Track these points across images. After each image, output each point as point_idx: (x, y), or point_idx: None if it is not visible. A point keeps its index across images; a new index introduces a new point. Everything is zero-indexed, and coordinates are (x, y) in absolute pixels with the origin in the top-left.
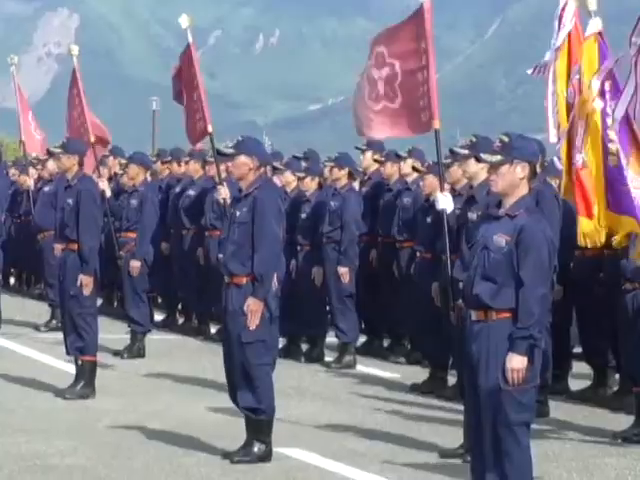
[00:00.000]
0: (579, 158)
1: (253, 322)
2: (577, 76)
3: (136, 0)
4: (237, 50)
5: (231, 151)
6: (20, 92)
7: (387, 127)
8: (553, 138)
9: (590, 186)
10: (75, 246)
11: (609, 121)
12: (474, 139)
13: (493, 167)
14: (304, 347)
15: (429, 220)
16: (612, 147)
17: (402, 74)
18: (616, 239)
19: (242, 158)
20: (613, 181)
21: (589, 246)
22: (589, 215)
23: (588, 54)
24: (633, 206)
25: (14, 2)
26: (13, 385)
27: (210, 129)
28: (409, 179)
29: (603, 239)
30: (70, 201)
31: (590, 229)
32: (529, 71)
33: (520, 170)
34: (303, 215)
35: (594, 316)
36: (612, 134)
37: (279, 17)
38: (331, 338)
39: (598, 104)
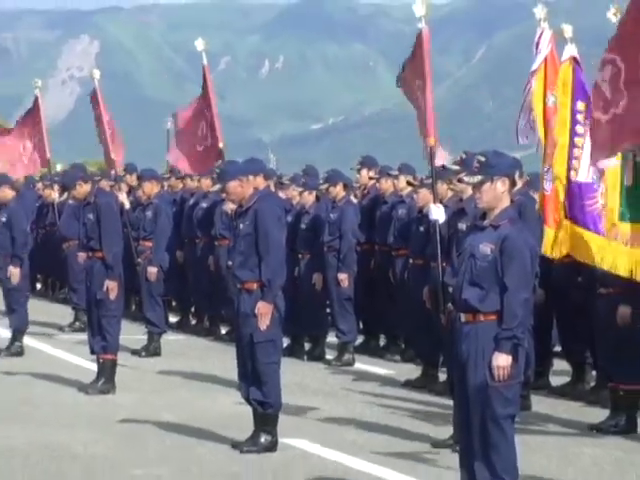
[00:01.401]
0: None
1: (264, 323)
2: (552, 99)
3: (150, 27)
4: (245, 74)
5: (218, 186)
6: (37, 112)
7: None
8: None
9: (555, 198)
10: (100, 254)
11: (577, 140)
12: (464, 156)
13: (476, 186)
14: (307, 346)
15: (422, 230)
16: (575, 163)
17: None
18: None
19: (231, 184)
20: (572, 195)
21: (554, 256)
22: (555, 224)
23: (563, 77)
24: (595, 221)
25: (40, 30)
26: (40, 381)
27: (221, 145)
28: (403, 193)
29: (564, 250)
30: (91, 216)
31: (556, 239)
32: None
33: (500, 185)
34: (303, 226)
35: (572, 318)
36: (577, 151)
37: (283, 44)
38: (331, 338)
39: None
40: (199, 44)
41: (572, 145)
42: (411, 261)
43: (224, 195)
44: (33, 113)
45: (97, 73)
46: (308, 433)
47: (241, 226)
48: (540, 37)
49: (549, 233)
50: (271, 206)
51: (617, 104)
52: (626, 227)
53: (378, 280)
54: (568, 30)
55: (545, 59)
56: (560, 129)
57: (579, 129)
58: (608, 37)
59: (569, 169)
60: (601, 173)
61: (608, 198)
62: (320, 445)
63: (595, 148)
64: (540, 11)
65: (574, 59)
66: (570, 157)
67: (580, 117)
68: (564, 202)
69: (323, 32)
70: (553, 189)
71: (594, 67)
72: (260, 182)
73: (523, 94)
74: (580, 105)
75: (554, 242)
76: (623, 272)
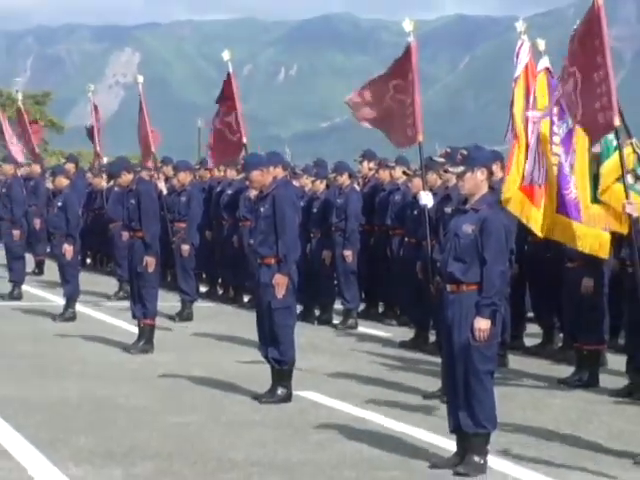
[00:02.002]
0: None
1: (280, 292)
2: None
3: (185, 41)
4: (264, 80)
5: (242, 175)
6: (96, 113)
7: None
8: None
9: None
10: (140, 234)
11: (555, 139)
12: (449, 150)
13: (459, 176)
14: (316, 312)
15: (415, 213)
16: (554, 159)
17: (395, 98)
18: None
19: (254, 173)
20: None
21: (544, 236)
22: (537, 205)
23: (540, 86)
24: (569, 207)
25: (90, 43)
26: (89, 342)
27: (245, 140)
28: (399, 181)
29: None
30: (133, 201)
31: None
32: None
33: (480, 174)
34: (314, 210)
35: (543, 288)
36: (556, 149)
37: (297, 54)
38: (338, 305)
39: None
40: (226, 55)
41: (552, 143)
42: (406, 240)
43: (247, 183)
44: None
45: (140, 78)
46: (318, 386)
47: (261, 209)
48: (520, 48)
49: (536, 214)
50: (287, 192)
51: (576, 114)
52: (595, 209)
53: (377, 256)
54: (541, 44)
55: (526, 67)
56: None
57: (555, 129)
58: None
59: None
60: (572, 167)
61: (579, 188)
62: (328, 396)
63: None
64: (521, 25)
65: (547, 70)
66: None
67: (555, 119)
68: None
69: (331, 44)
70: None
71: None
72: (279, 172)
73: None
74: (555, 109)
75: (543, 223)
76: (590, 250)
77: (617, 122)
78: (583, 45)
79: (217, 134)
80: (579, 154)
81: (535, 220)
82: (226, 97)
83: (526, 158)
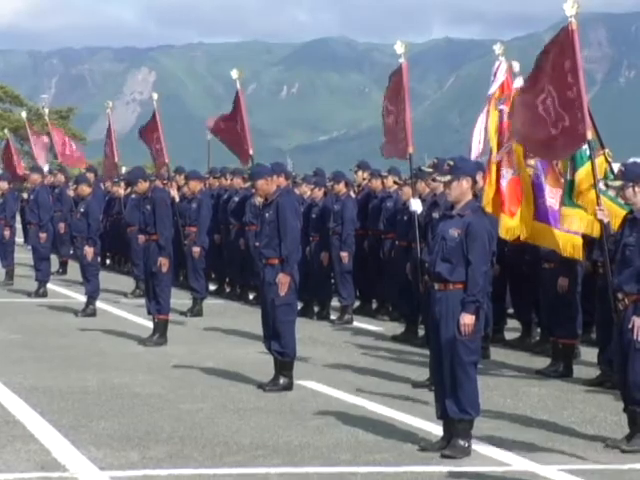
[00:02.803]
0: (507, 172)
1: (283, 290)
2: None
3: (196, 61)
4: (268, 97)
5: (248, 183)
6: (111, 128)
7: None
8: (472, 155)
9: (511, 192)
10: (155, 237)
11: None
12: (436, 161)
13: (446, 184)
14: (315, 309)
15: (405, 218)
16: (529, 170)
17: (392, 115)
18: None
19: (260, 182)
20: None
21: (509, 239)
22: (510, 214)
23: (514, 103)
24: (547, 215)
25: (109, 63)
26: (108, 336)
27: (251, 152)
28: (391, 189)
29: (522, 235)
30: (148, 207)
31: (511, 225)
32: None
33: (465, 183)
34: (314, 215)
35: (522, 286)
36: (531, 161)
37: (298, 74)
38: (335, 302)
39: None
40: (234, 73)
41: (525, 156)
42: (397, 243)
43: (254, 190)
44: (109, 129)
45: (155, 95)
46: (317, 376)
47: (266, 215)
48: (498, 68)
49: (505, 220)
50: (290, 200)
51: (561, 122)
52: (569, 211)
53: (371, 257)
54: (516, 66)
55: (502, 85)
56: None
57: None
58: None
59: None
60: (545, 177)
61: (555, 194)
62: (326, 385)
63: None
64: (499, 48)
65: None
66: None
67: None
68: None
69: (329, 64)
70: (510, 183)
71: None
72: (282, 181)
73: (482, 115)
74: None
75: (508, 227)
76: (567, 254)
77: (589, 135)
78: (554, 65)
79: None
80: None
81: (502, 225)
82: (231, 116)
83: (499, 170)
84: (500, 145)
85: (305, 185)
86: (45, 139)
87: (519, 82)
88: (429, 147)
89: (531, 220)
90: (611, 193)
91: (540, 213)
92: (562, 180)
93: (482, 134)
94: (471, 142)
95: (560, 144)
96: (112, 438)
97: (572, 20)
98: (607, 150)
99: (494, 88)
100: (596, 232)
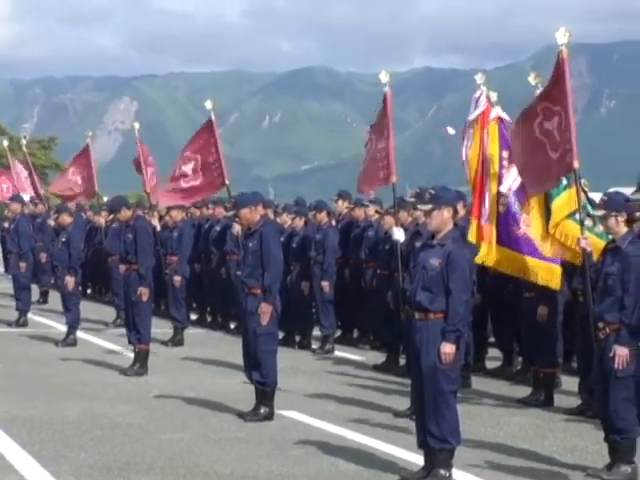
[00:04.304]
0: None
1: (265, 320)
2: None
3: (177, 90)
4: (250, 126)
5: (230, 212)
6: (91, 157)
7: (364, 184)
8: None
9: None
10: (136, 266)
11: (504, 180)
12: (419, 190)
13: (427, 213)
14: (297, 338)
15: (387, 247)
16: (503, 200)
17: (373, 143)
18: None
19: (243, 211)
20: (502, 223)
21: (487, 265)
22: (488, 242)
23: (492, 133)
24: (519, 243)
25: (91, 92)
26: (89, 365)
27: (227, 182)
28: (372, 219)
29: (488, 262)
30: (130, 235)
31: (483, 252)
32: (450, 131)
33: (446, 212)
34: (294, 245)
35: (503, 315)
36: (504, 189)
37: (279, 103)
38: (316, 332)
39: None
40: (208, 104)
41: (500, 184)
42: (378, 272)
43: (237, 219)
44: (81, 156)
45: (137, 125)
46: (298, 406)
47: (250, 244)
48: (479, 97)
49: (484, 247)
50: (273, 230)
51: (564, 145)
52: (552, 240)
53: (352, 287)
54: (493, 95)
55: (482, 114)
56: (492, 175)
57: (504, 172)
58: (529, 97)
59: (498, 205)
60: (523, 205)
61: (533, 223)
62: (307, 415)
63: (543, 181)
64: (480, 78)
65: (499, 118)
66: (499, 196)
67: (505, 162)
68: (496, 231)
69: (310, 94)
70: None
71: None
72: (260, 210)
73: (462, 140)
74: (505, 153)
75: (487, 254)
76: (542, 281)
77: (576, 165)
78: (550, 93)
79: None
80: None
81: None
82: (200, 142)
83: (481, 198)
84: (479, 172)
85: (286, 214)
86: (25, 169)
87: (497, 111)
88: (410, 176)
89: (496, 246)
90: (588, 223)
91: (512, 241)
92: (534, 210)
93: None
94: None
95: (554, 172)
96: (92, 469)
97: (563, 49)
98: (583, 180)
99: (476, 114)
100: (578, 259)
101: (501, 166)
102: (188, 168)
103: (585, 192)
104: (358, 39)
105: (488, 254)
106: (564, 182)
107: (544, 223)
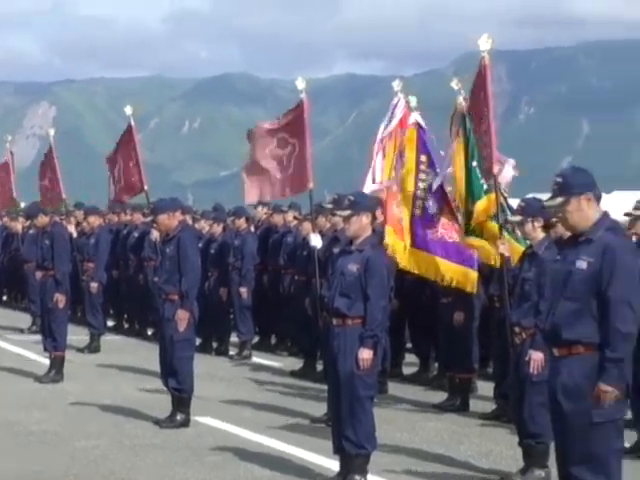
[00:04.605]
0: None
1: (182, 326)
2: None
3: (97, 95)
4: (170, 131)
5: (150, 217)
6: (11, 163)
7: (277, 191)
8: (367, 190)
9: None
10: (52, 272)
11: (420, 184)
12: (336, 196)
13: (345, 219)
14: (214, 344)
15: (305, 254)
16: (420, 203)
17: (293, 151)
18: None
19: (161, 217)
20: (418, 225)
21: (406, 267)
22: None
23: (410, 137)
24: (436, 246)
25: (10, 96)
26: (4, 373)
27: (146, 187)
28: (291, 225)
29: (401, 263)
30: (47, 241)
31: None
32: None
33: (364, 218)
34: (212, 251)
35: (420, 321)
36: (421, 193)
37: (199, 109)
38: (234, 338)
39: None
40: (128, 109)
41: (416, 188)
42: (296, 278)
43: (155, 225)
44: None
45: (52, 131)
46: (214, 412)
47: (167, 250)
48: (397, 104)
49: (399, 248)
50: (190, 235)
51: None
52: (472, 241)
53: (270, 292)
54: (413, 100)
55: (400, 121)
56: (407, 177)
57: (422, 176)
58: (450, 103)
59: (414, 207)
60: (439, 210)
61: (451, 227)
62: (223, 421)
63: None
64: (397, 84)
65: (417, 123)
66: (415, 198)
67: (423, 167)
68: (410, 233)
69: (230, 100)
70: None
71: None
72: (179, 216)
73: (376, 145)
74: (423, 157)
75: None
76: (456, 284)
77: (496, 170)
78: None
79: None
80: (458, 194)
81: (399, 252)
82: (123, 146)
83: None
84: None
85: (204, 220)
86: None
87: (415, 116)
88: (330, 183)
89: (408, 248)
90: (509, 228)
91: (427, 244)
92: (459, 214)
93: (378, 170)
94: (365, 177)
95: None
96: (6, 477)
97: (485, 55)
98: (503, 185)
99: (393, 124)
100: (497, 262)
101: (418, 170)
102: (116, 171)
103: (505, 197)
104: (280, 45)
105: (403, 257)
106: (485, 187)
107: (464, 224)
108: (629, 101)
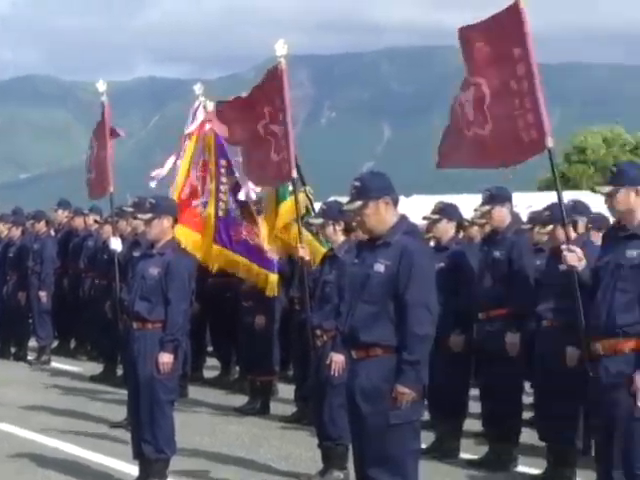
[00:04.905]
0: (199, 203)
1: None
2: (202, 157)
3: None
4: None
5: None
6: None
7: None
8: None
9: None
10: None
11: (222, 187)
12: (137, 200)
13: (147, 222)
14: (12, 349)
15: (105, 257)
16: (222, 204)
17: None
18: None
19: None
20: (221, 225)
21: (210, 267)
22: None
23: (208, 142)
24: (236, 245)
25: None
26: None
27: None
28: (92, 228)
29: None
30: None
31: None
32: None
33: (166, 222)
34: (10, 254)
35: (222, 324)
36: (223, 196)
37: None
38: (32, 342)
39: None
40: None
41: (218, 191)
42: (97, 281)
43: None
44: None
45: None
46: (11, 418)
47: None
48: (197, 108)
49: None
50: None
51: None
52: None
53: (70, 296)
54: (210, 105)
55: (201, 124)
56: (210, 179)
57: (223, 179)
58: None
59: (217, 208)
60: (243, 212)
61: (254, 230)
62: (20, 427)
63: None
64: (199, 88)
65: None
66: (217, 200)
67: (223, 170)
68: (214, 234)
69: (32, 101)
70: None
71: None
72: None
73: (180, 153)
74: (223, 162)
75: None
76: (258, 284)
77: (294, 174)
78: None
79: None
80: (269, 198)
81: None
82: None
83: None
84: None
85: (2, 224)
86: None
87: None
88: (133, 186)
89: (211, 245)
90: (313, 230)
91: (232, 243)
92: (259, 216)
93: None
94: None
95: (272, 173)
96: None
97: (282, 60)
98: (308, 187)
99: (193, 127)
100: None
101: (219, 173)
102: None
103: (310, 199)
104: (84, 48)
105: (202, 252)
106: (290, 188)
107: (272, 224)
108: (429, 106)
